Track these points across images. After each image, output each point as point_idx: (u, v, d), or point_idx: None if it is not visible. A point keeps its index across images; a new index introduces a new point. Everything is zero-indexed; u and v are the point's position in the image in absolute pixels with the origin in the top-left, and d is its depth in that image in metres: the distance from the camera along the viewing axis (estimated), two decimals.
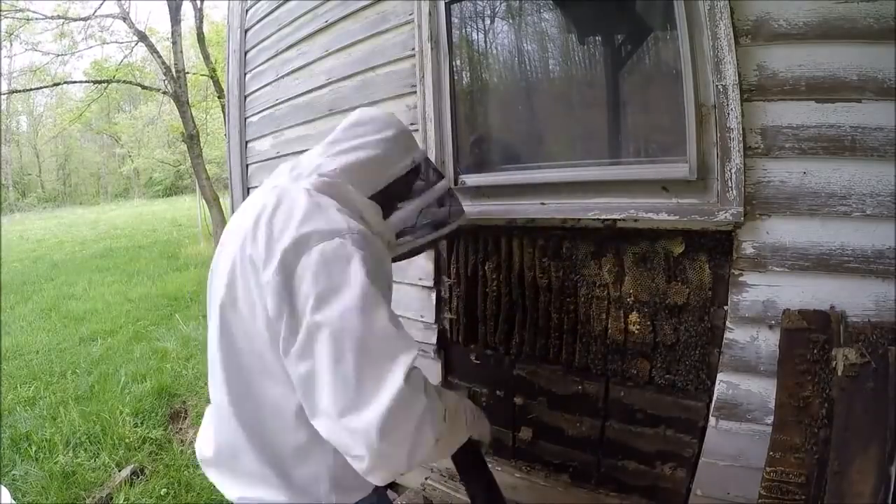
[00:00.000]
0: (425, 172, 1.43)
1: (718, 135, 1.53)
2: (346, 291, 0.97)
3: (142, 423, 3.51)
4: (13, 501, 2.10)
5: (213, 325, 1.17)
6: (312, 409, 0.96)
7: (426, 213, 1.47)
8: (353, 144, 1.28)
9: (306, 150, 2.51)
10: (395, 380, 0.92)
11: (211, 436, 1.24)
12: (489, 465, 1.63)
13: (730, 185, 1.52)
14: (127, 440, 3.27)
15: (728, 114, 1.50)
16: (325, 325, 0.95)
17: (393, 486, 2.71)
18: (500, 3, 2.23)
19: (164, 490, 2.81)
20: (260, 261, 1.04)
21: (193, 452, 3.13)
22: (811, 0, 1.39)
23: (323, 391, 0.94)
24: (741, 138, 1.49)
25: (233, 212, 4.02)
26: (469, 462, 1.46)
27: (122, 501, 2.71)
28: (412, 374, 0.95)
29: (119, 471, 2.98)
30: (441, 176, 1.50)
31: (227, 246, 1.18)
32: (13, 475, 2.99)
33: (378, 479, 0.95)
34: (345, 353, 0.93)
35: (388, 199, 1.31)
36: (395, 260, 1.43)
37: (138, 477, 2.94)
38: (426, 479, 2.42)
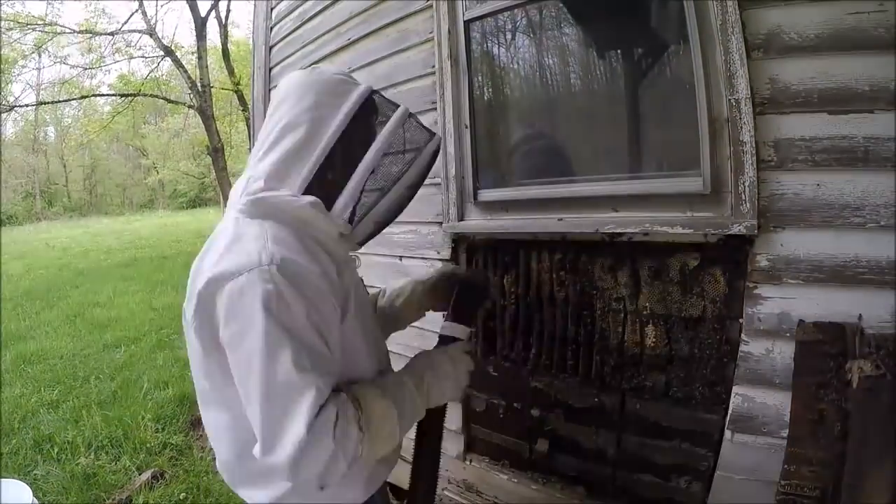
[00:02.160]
0: (369, 117, 1.17)
1: (732, 148, 1.54)
2: (250, 334, 0.96)
3: (163, 429, 3.56)
4: (34, 500, 2.15)
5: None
6: None
7: (384, 166, 1.19)
8: (277, 133, 1.09)
9: None
10: (296, 430, 0.93)
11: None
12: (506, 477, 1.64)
13: (744, 198, 1.53)
14: (148, 445, 3.33)
15: (741, 127, 1.51)
16: (236, 369, 1.00)
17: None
18: (519, 20, 2.27)
19: (183, 494, 2.85)
20: (186, 301, 1.08)
21: (213, 458, 3.19)
22: (822, 10, 1.41)
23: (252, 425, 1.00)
24: (754, 151, 1.50)
25: None
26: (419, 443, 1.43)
27: None
28: (316, 420, 0.95)
29: (139, 474, 3.02)
30: (394, 108, 1.18)
31: None
32: (35, 475, 3.06)
33: None
34: (251, 399, 0.98)
35: (329, 176, 1.11)
36: (368, 238, 1.28)
37: (158, 481, 2.98)
38: (443, 489, 2.43)
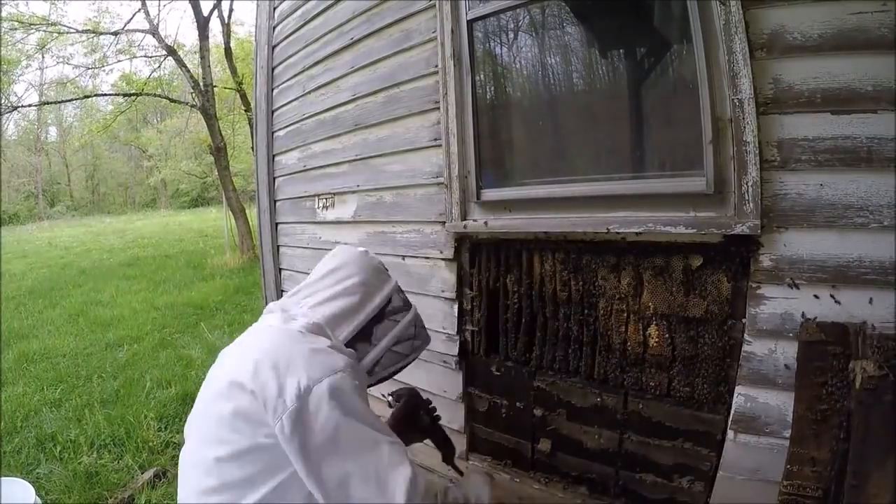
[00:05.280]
0: (395, 306, 1.53)
1: (735, 148, 1.54)
2: (357, 423, 1.12)
3: (165, 428, 3.56)
4: (37, 498, 2.16)
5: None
6: None
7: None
8: (332, 293, 1.41)
9: (330, 165, 2.53)
10: (407, 481, 1.09)
11: None
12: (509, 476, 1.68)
13: (747, 198, 1.53)
14: (150, 443, 3.33)
15: (744, 127, 1.51)
16: (338, 450, 1.10)
17: None
18: (522, 20, 2.27)
19: None
20: (265, 399, 1.10)
21: None
22: (825, 10, 1.41)
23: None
24: (758, 151, 1.50)
25: (259, 224, 4.10)
26: None
27: (143, 503, 2.76)
28: (411, 490, 1.09)
29: (142, 473, 3.03)
30: (408, 305, 1.58)
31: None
32: (38, 473, 3.06)
33: None
34: (366, 480, 1.09)
35: (361, 337, 1.42)
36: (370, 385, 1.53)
37: (160, 479, 2.98)
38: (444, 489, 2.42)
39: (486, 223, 2.20)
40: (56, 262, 13.16)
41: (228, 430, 1.12)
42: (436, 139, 2.38)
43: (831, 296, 1.45)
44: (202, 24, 11.68)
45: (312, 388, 1.10)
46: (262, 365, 1.14)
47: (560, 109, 2.28)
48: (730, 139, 1.56)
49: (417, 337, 1.62)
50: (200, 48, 11.64)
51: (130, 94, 13.17)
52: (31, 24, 12.06)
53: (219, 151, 11.55)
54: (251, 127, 7.64)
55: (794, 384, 1.46)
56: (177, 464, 3.07)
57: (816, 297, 1.47)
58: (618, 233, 1.83)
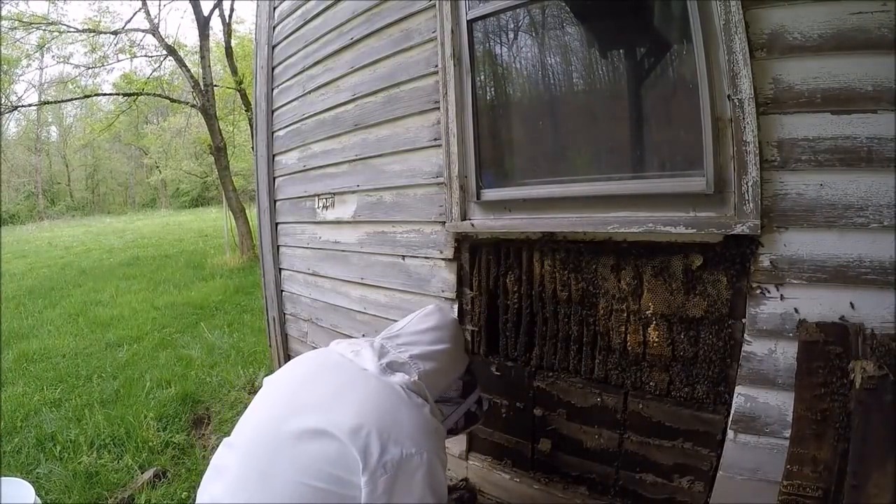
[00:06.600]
0: (465, 381, 1.79)
1: (735, 148, 1.54)
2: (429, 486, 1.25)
3: (165, 428, 3.55)
4: (37, 498, 2.16)
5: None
6: None
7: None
8: (430, 351, 1.58)
9: (330, 165, 2.52)
10: None
11: None
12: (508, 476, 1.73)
13: (747, 198, 1.53)
14: (150, 443, 3.32)
15: (744, 127, 1.51)
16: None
17: None
18: (522, 20, 2.27)
19: (186, 493, 2.85)
20: (365, 461, 1.20)
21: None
22: (825, 10, 1.41)
23: None
24: (758, 151, 1.50)
25: (259, 224, 4.09)
26: None
27: (143, 503, 2.76)
28: None
29: (142, 473, 3.02)
30: (475, 382, 1.86)
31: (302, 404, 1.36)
32: (37, 473, 3.05)
33: None
34: None
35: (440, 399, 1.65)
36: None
37: (160, 479, 2.98)
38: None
39: (486, 223, 2.21)
40: (56, 261, 13.15)
41: (310, 470, 1.20)
42: (436, 139, 2.39)
43: (831, 296, 1.45)
44: (202, 24, 11.65)
45: (413, 457, 1.23)
46: (365, 422, 1.24)
47: (560, 109, 2.28)
48: (730, 139, 1.56)
49: (479, 410, 1.91)
50: (201, 48, 11.60)
51: (131, 94, 13.14)
52: (30, 24, 12.03)
53: (219, 151, 11.53)
54: (251, 127, 7.64)
55: (794, 384, 1.47)
56: (176, 463, 3.09)
57: (816, 297, 1.47)
58: (618, 233, 1.83)
